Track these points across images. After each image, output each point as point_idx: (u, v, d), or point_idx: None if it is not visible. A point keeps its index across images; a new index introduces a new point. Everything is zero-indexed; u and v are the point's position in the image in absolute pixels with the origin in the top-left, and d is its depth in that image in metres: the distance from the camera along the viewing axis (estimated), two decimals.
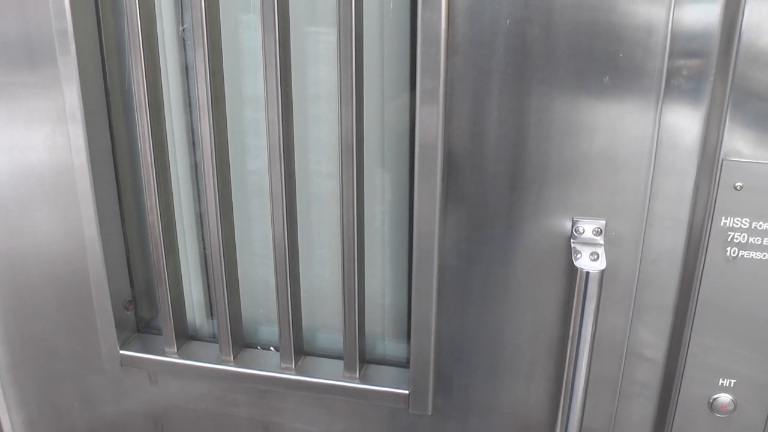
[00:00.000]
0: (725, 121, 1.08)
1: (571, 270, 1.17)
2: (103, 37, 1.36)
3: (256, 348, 1.52)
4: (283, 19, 1.22)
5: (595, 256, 1.15)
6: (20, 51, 1.33)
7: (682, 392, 1.25)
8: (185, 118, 1.43)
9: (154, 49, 1.32)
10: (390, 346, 1.49)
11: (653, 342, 1.26)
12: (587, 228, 1.17)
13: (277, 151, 1.28)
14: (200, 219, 1.50)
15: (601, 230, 1.17)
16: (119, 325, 1.50)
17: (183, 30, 1.35)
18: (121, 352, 1.52)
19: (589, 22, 1.08)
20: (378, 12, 1.24)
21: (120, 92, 1.42)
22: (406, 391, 1.38)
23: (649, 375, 1.29)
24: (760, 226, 1.11)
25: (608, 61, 1.09)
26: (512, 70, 1.12)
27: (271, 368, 1.45)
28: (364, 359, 1.43)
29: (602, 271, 1.12)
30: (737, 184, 1.09)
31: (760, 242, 1.12)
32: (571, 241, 1.18)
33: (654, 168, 1.13)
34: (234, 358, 1.47)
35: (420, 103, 1.16)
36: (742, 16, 1.02)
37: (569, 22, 1.08)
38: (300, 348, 1.46)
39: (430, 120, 1.17)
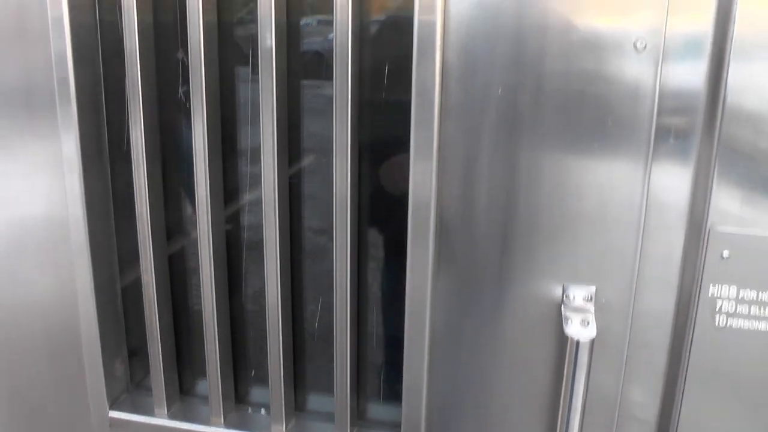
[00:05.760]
0: (711, 191, 1.10)
1: (562, 335, 1.17)
2: (104, 86, 1.37)
3: (248, 409, 1.51)
4: (281, 75, 1.24)
5: (586, 323, 1.16)
6: (19, 99, 1.34)
7: None
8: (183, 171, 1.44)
9: (154, 109, 1.34)
10: (382, 407, 1.48)
11: (645, 403, 1.26)
12: (578, 294, 1.18)
13: (272, 205, 1.29)
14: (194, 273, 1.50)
15: (591, 297, 1.18)
16: (110, 385, 1.48)
17: (182, 93, 1.38)
18: (111, 414, 1.49)
19: (579, 90, 1.11)
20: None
21: (118, 142, 1.42)
22: None
23: None
24: (748, 295, 1.12)
25: (597, 128, 1.12)
26: (504, 135, 1.15)
27: (261, 430, 1.44)
28: (355, 421, 1.42)
29: (593, 339, 1.13)
30: (724, 253, 1.11)
31: (747, 311, 1.13)
32: (562, 307, 1.19)
33: (643, 236, 1.15)
34: (224, 420, 1.45)
35: (414, 162, 1.18)
36: (725, 91, 1.05)
37: (559, 90, 1.11)
38: (291, 409, 1.45)
39: (424, 181, 1.19)
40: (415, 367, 1.29)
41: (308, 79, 1.33)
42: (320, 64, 1.32)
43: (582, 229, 1.17)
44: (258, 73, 1.23)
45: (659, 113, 1.09)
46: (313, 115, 1.35)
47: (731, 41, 1.04)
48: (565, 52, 1.10)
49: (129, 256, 1.49)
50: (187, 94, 1.36)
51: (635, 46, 1.06)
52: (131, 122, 1.31)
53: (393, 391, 1.47)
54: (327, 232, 1.40)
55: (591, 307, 1.18)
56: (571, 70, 1.10)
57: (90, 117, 1.35)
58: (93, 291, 1.41)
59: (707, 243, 1.11)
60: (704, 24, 1.06)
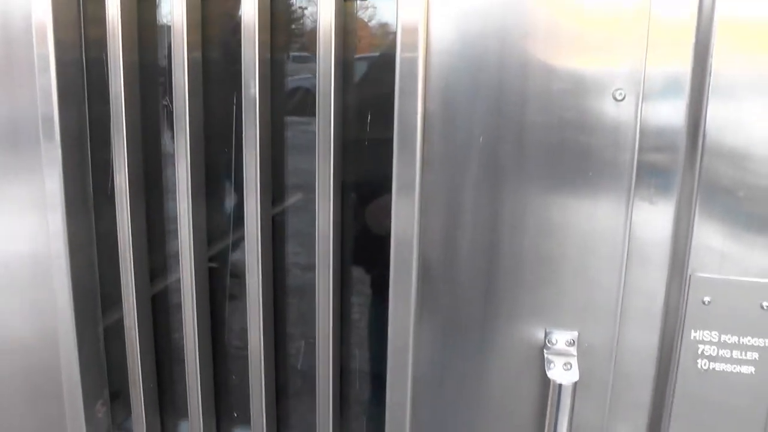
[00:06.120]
0: (692, 234, 1.11)
1: (545, 379, 1.17)
2: (89, 125, 1.36)
3: None
4: (264, 122, 1.24)
5: (569, 366, 1.16)
6: (4, 136, 1.33)
7: None
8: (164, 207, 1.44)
9: (138, 151, 1.34)
10: None
11: None
12: (560, 339, 1.18)
13: (255, 244, 1.29)
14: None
15: (574, 341, 1.18)
16: (90, 427, 1.45)
17: (167, 140, 1.38)
18: None
19: (559, 138, 1.12)
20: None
21: (103, 183, 1.42)
22: None
23: None
24: (729, 339, 1.13)
25: (578, 176, 1.13)
26: (485, 182, 1.16)
27: None
28: None
29: (575, 383, 1.13)
30: (705, 299, 1.12)
31: (729, 355, 1.13)
32: (545, 351, 1.19)
33: (625, 281, 1.15)
34: None
35: (396, 202, 1.18)
36: (704, 128, 1.06)
37: (540, 139, 1.12)
38: None
39: (406, 221, 1.19)
40: (398, 408, 1.28)
41: (294, 115, 1.34)
42: (306, 101, 1.32)
43: (564, 273, 1.17)
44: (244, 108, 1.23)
45: (640, 152, 1.10)
46: (300, 151, 1.35)
47: (709, 79, 1.05)
48: (546, 102, 1.11)
49: (111, 296, 1.48)
50: (171, 139, 1.36)
51: (614, 97, 1.07)
52: (115, 164, 1.31)
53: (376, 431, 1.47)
54: (313, 268, 1.40)
55: (573, 351, 1.18)
56: (551, 120, 1.11)
57: (74, 155, 1.35)
58: (75, 331, 1.40)
59: (688, 288, 1.12)
60: (683, 63, 1.07)
